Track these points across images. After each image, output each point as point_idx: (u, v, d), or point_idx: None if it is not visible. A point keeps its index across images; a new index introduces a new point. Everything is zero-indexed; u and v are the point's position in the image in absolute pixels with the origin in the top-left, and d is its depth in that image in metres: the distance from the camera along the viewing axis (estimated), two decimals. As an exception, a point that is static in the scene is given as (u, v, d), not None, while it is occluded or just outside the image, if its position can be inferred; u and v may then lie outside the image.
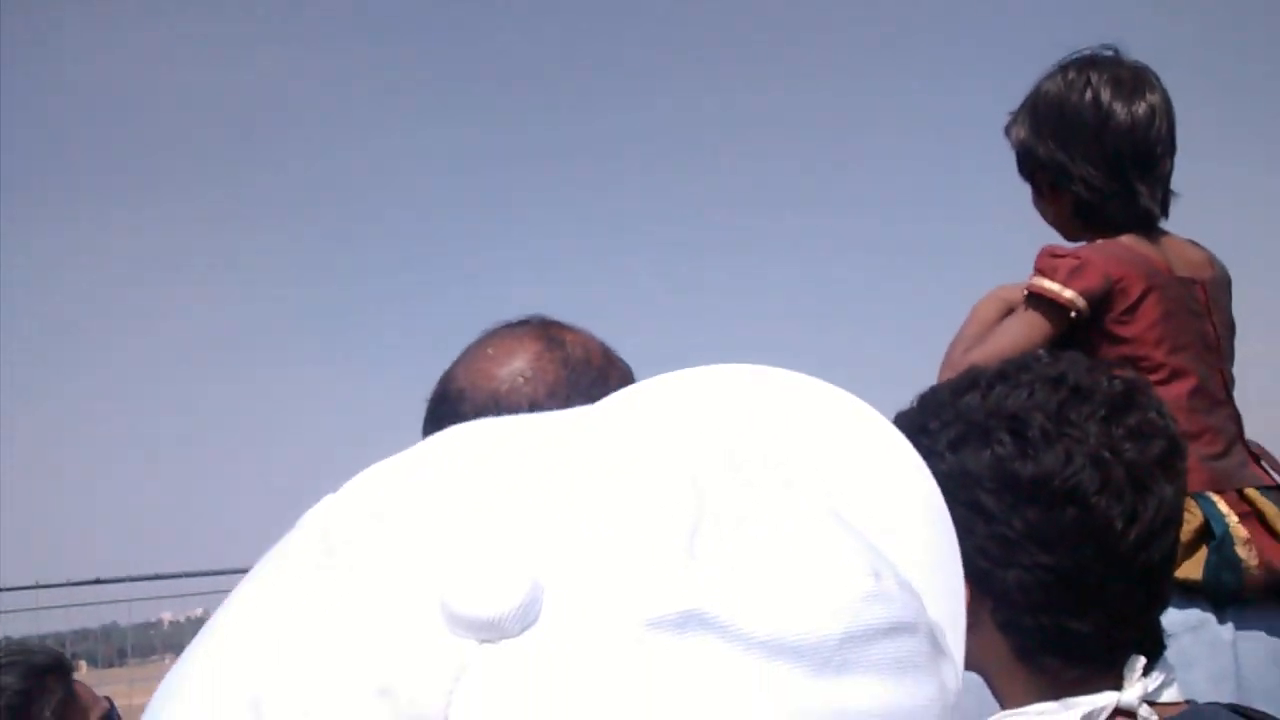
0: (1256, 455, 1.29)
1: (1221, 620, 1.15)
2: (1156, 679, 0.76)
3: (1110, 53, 1.36)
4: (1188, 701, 0.79)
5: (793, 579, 0.22)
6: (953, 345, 1.30)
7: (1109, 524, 0.72)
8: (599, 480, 0.24)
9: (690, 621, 0.21)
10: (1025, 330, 1.25)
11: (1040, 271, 1.27)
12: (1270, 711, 1.03)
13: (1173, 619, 1.06)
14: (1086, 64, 1.34)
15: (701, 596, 0.21)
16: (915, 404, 0.82)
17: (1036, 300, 1.26)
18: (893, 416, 0.79)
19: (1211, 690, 1.03)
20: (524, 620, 0.20)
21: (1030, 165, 1.37)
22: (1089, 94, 1.31)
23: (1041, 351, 0.89)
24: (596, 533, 0.22)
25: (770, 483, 0.26)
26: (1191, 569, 1.14)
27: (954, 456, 0.76)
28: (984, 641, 0.76)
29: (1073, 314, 1.23)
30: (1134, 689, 0.74)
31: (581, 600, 0.21)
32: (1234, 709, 0.80)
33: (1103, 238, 1.31)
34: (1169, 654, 1.05)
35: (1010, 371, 0.79)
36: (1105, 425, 0.74)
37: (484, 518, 0.23)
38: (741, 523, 0.23)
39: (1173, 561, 0.77)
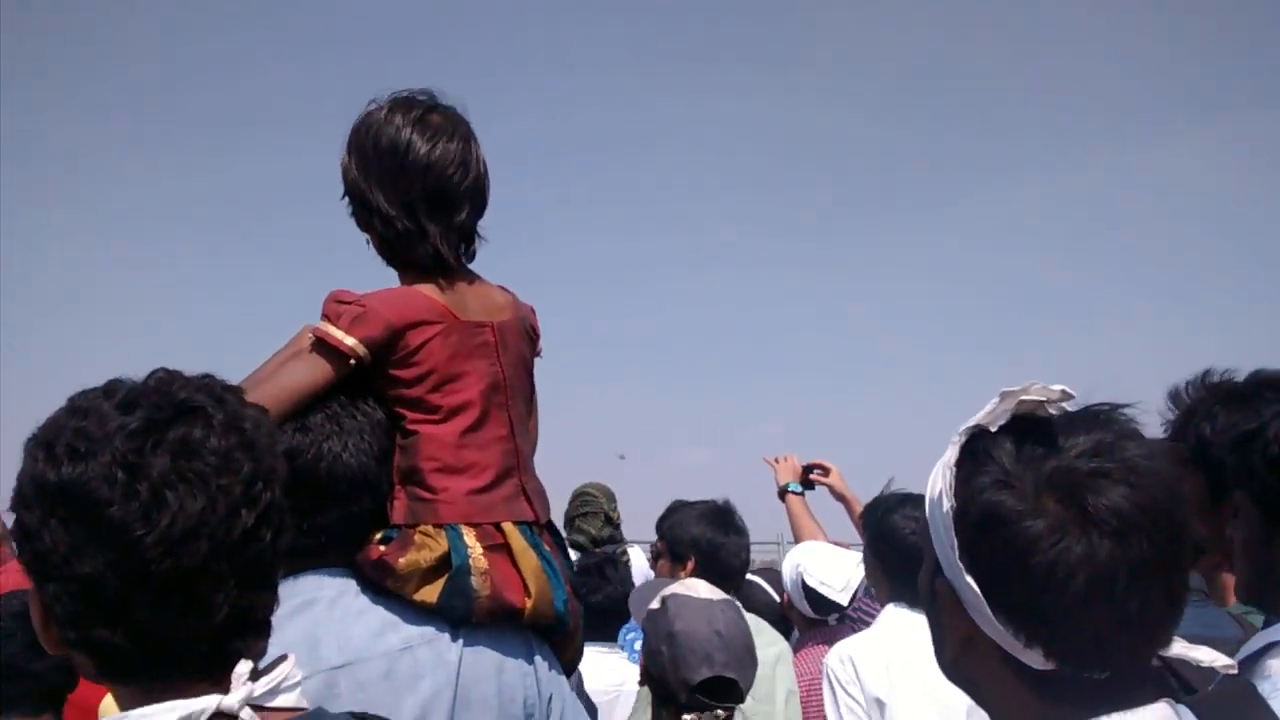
0: (530, 493, 1.36)
1: (454, 637, 1.25)
2: (267, 684, 0.79)
3: (426, 96, 1.38)
4: (301, 709, 0.81)
5: None
6: (244, 381, 1.23)
7: (125, 532, 0.71)
8: None
9: None
10: (307, 374, 1.24)
11: (326, 317, 1.27)
12: (487, 714, 1.17)
13: (411, 633, 1.23)
14: (401, 103, 1.36)
15: None
16: None
17: (320, 345, 1.26)
18: None
19: (435, 696, 1.21)
20: None
21: (348, 194, 1.38)
22: (395, 131, 1.32)
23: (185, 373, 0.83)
24: None
25: None
26: (429, 593, 1.24)
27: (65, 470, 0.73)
28: (79, 659, 0.76)
29: (353, 361, 1.25)
30: (237, 693, 0.77)
31: None
32: (353, 715, 0.84)
33: (405, 275, 1.36)
34: (404, 666, 1.19)
35: (143, 393, 0.78)
36: (136, 438, 0.73)
37: None
38: None
39: (209, 574, 0.74)
